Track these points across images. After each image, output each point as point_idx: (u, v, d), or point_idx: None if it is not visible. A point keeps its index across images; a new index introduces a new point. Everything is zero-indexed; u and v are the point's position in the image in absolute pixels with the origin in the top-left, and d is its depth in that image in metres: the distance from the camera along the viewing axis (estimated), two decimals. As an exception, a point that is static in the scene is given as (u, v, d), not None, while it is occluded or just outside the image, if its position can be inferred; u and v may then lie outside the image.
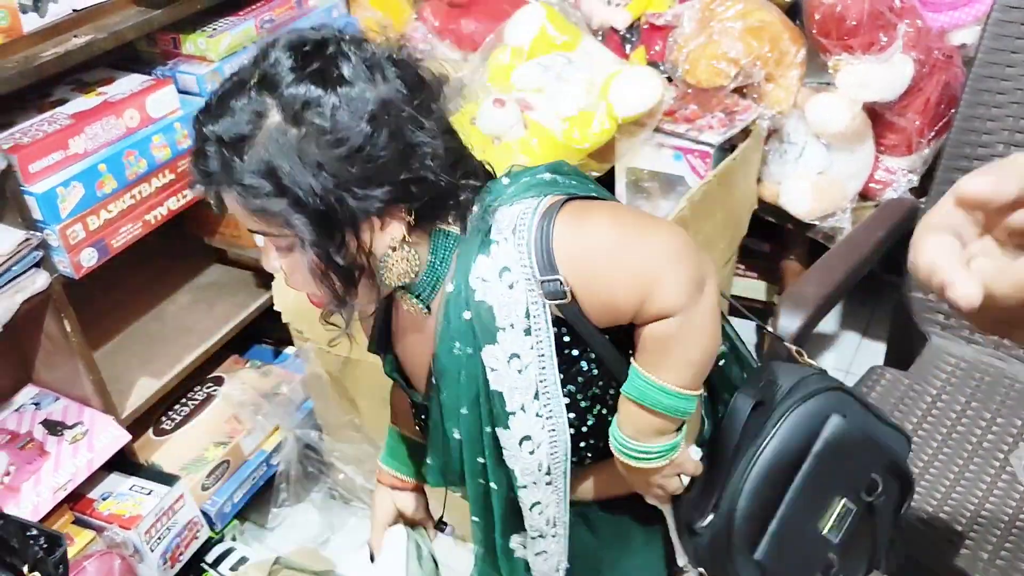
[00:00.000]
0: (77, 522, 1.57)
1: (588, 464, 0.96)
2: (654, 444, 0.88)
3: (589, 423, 0.92)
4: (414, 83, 0.82)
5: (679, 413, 0.87)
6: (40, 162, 1.35)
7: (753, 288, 2.18)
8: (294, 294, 1.77)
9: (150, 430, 1.80)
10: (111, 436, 1.56)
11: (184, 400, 1.87)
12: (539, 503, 0.93)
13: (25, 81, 1.32)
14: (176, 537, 1.63)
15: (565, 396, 0.89)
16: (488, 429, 0.89)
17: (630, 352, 0.89)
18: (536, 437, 0.88)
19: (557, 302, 0.83)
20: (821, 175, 1.76)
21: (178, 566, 1.64)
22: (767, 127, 1.74)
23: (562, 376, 0.88)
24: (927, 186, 1.59)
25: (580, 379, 0.89)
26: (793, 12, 1.79)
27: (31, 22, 1.35)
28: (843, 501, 0.89)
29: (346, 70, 0.78)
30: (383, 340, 1.02)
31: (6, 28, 1.31)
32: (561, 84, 1.59)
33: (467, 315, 0.85)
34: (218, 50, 1.60)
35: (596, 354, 0.88)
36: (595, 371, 0.90)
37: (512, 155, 1.50)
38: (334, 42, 0.80)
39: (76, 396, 1.59)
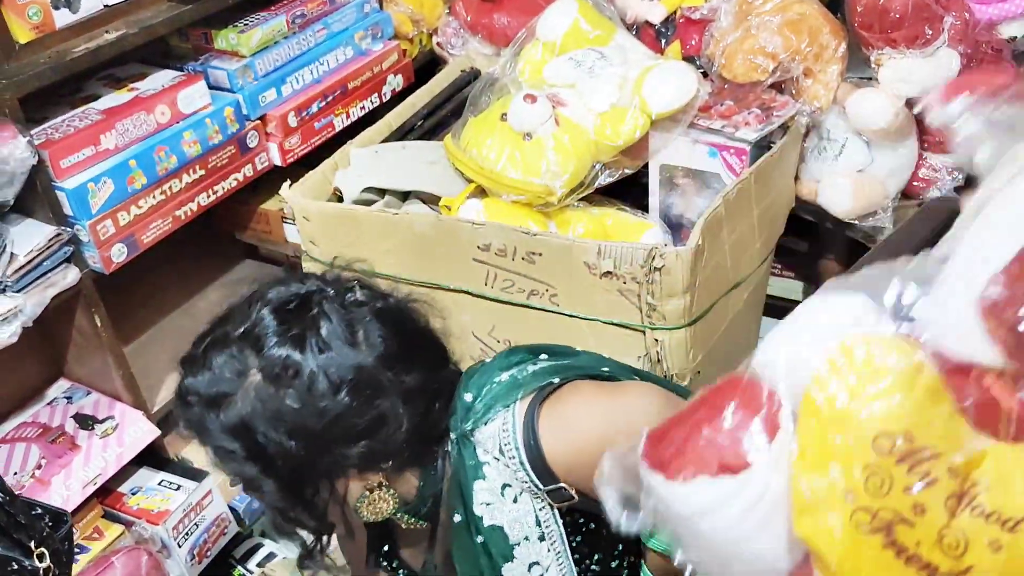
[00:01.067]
0: (107, 516, 1.58)
1: None
2: None
3: (624, 575, 0.95)
4: (397, 340, 0.82)
5: None
6: (71, 158, 1.35)
7: (790, 288, 2.14)
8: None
9: (180, 424, 1.81)
10: (141, 431, 1.56)
11: (214, 395, 1.88)
12: None
13: (57, 76, 1.33)
14: (204, 533, 1.63)
15: (595, 564, 0.91)
16: None
17: None
18: None
19: (566, 504, 0.85)
20: (861, 173, 1.71)
21: (206, 562, 1.64)
22: (806, 123, 1.69)
23: (587, 548, 0.89)
24: (973, 184, 1.54)
25: (603, 543, 0.91)
26: (834, 5, 1.74)
27: (63, 18, 1.35)
28: None
29: (326, 331, 0.79)
30: (389, 552, 1.03)
31: (38, 24, 1.32)
32: (594, 79, 1.56)
33: (480, 539, 0.87)
34: (250, 45, 1.60)
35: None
36: (616, 530, 0.91)
37: (543, 151, 1.48)
38: (317, 301, 0.81)
39: (107, 390, 1.60)
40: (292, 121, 1.67)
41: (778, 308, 2.10)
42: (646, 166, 1.63)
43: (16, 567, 0.77)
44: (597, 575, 0.91)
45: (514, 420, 0.85)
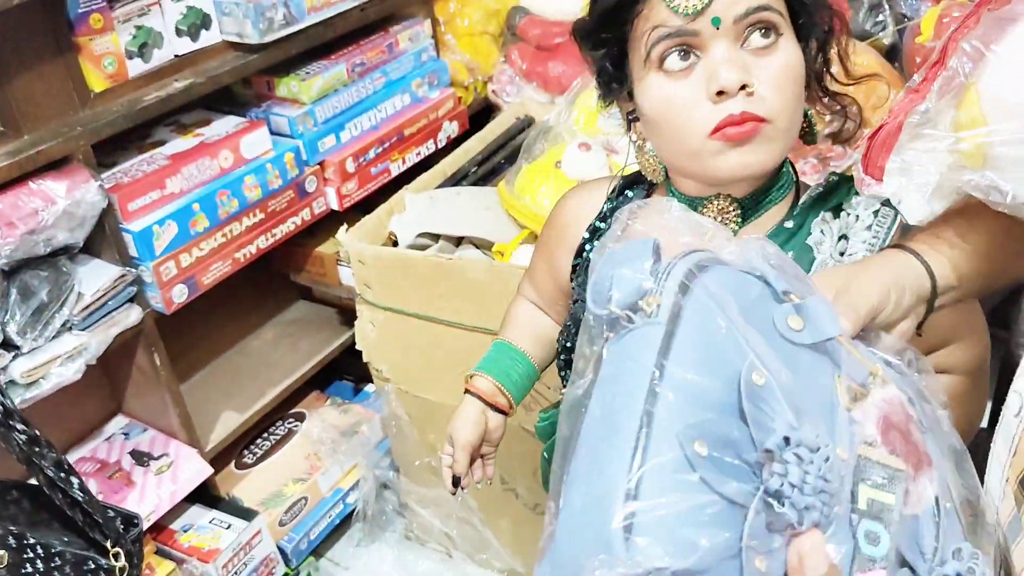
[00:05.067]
0: (158, 552, 1.59)
1: None
2: None
3: None
4: None
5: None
6: (138, 201, 1.40)
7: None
8: (375, 333, 1.75)
9: (232, 463, 1.83)
10: (194, 469, 1.58)
11: (265, 435, 1.90)
12: None
13: (129, 124, 1.38)
14: (252, 572, 1.64)
15: None
16: None
17: None
18: None
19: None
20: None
21: (253, 601, 1.65)
22: (863, 173, 1.67)
23: None
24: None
25: None
26: (892, 55, 1.73)
27: (136, 67, 1.41)
28: None
29: None
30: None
31: (113, 73, 1.37)
32: (648, 128, 1.56)
33: (789, 254, 0.85)
34: (310, 93, 1.64)
35: None
36: None
37: (596, 199, 1.49)
38: None
39: (163, 428, 1.63)
40: (350, 167, 1.70)
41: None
42: (700, 214, 1.63)
43: (93, 566, 0.78)
44: None
45: (896, 219, 0.87)
